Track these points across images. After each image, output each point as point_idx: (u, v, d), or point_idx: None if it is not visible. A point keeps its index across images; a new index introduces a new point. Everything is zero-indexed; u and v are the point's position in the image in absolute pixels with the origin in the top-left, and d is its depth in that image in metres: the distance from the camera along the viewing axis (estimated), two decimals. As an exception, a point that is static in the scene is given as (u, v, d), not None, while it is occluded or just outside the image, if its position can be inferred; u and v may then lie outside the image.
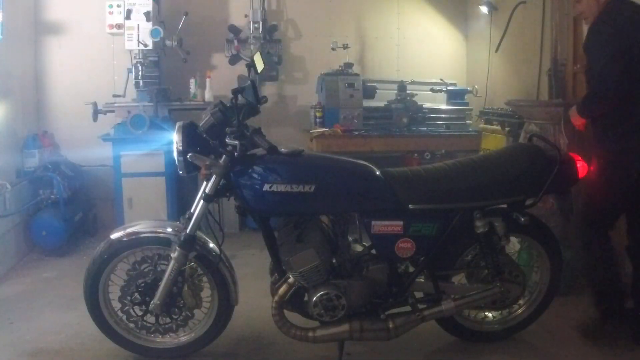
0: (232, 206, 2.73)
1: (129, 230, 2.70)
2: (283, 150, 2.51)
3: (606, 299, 2.97)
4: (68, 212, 4.47)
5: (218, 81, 4.98)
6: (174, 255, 2.60)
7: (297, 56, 5.43)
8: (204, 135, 2.52)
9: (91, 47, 5.01)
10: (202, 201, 2.58)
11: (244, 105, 2.54)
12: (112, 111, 4.58)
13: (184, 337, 2.80)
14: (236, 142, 2.44)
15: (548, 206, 3.19)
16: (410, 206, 2.57)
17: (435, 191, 2.60)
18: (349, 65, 5.04)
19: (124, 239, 2.67)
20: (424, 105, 5.05)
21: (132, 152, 4.42)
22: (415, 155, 4.83)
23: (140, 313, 2.73)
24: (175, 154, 2.57)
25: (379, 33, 5.55)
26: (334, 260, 2.61)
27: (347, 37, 5.31)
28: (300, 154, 2.55)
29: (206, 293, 2.76)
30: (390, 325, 2.62)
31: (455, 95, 5.23)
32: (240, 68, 5.03)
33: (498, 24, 4.82)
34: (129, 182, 4.44)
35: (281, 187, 2.46)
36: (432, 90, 5.25)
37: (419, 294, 2.76)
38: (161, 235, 2.68)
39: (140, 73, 4.61)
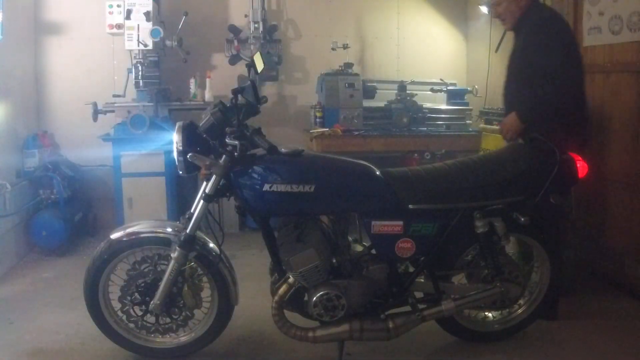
0: (232, 206, 2.73)
1: (129, 230, 2.69)
2: (283, 150, 2.51)
3: None
4: (68, 212, 4.47)
5: (218, 81, 4.97)
6: (174, 255, 2.60)
7: (297, 56, 5.43)
8: (204, 135, 2.52)
9: (91, 47, 5.01)
10: (202, 201, 2.58)
11: (244, 105, 2.54)
12: (112, 111, 4.58)
13: (184, 337, 2.80)
14: (236, 142, 2.43)
15: (548, 206, 3.19)
16: (410, 206, 2.57)
17: (435, 191, 2.60)
18: (349, 65, 5.04)
19: (124, 239, 2.67)
20: (424, 105, 5.05)
21: (132, 152, 4.42)
22: (415, 155, 4.82)
23: (140, 313, 2.73)
24: (175, 154, 2.56)
25: (379, 33, 5.55)
26: (334, 260, 2.60)
27: (347, 37, 5.31)
28: (300, 154, 2.55)
29: (206, 293, 2.76)
30: (390, 325, 2.62)
31: (455, 95, 5.23)
32: (240, 68, 5.03)
33: (498, 24, 4.81)
34: (129, 182, 4.44)
35: (281, 187, 2.46)
36: (432, 90, 5.24)
37: (419, 294, 2.76)
38: (161, 235, 2.68)
39: (140, 73, 4.61)
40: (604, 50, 3.66)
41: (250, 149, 2.49)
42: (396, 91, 5.09)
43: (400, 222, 2.58)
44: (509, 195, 2.65)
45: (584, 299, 3.42)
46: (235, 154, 2.46)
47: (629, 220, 3.49)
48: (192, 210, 2.64)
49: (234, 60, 5.12)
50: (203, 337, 2.78)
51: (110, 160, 4.52)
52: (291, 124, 5.40)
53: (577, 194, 3.32)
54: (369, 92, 5.06)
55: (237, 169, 2.51)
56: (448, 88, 5.27)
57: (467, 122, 5.06)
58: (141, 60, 4.61)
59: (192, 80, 4.93)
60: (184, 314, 2.74)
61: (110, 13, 4.54)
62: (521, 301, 2.94)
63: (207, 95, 4.87)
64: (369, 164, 2.66)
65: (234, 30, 5.10)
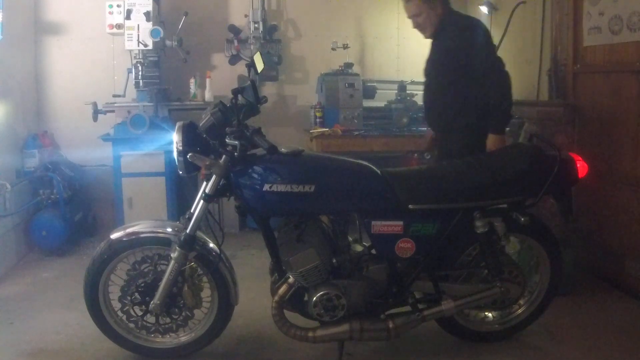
0: (232, 206, 2.73)
1: (129, 230, 2.70)
2: (283, 150, 2.51)
3: None
4: (68, 212, 4.46)
5: (218, 81, 4.97)
6: (174, 255, 2.60)
7: (297, 56, 5.43)
8: (204, 135, 2.53)
9: (91, 47, 5.01)
10: (202, 201, 2.58)
11: (244, 105, 2.54)
12: (112, 111, 4.59)
13: (184, 337, 2.80)
14: (236, 142, 2.44)
15: (548, 206, 3.19)
16: (410, 206, 2.57)
17: (435, 191, 2.60)
18: (349, 65, 5.04)
19: (124, 239, 2.67)
20: (424, 105, 5.05)
21: (132, 152, 4.42)
22: (415, 155, 4.82)
23: (140, 313, 2.73)
24: (175, 154, 2.56)
25: (379, 33, 5.54)
26: (334, 260, 2.60)
27: (347, 37, 5.31)
28: (300, 154, 2.55)
29: (206, 293, 2.76)
30: (390, 325, 2.62)
31: (455, 95, 5.22)
32: (240, 68, 5.03)
33: (498, 24, 4.82)
34: (129, 182, 4.44)
35: (281, 187, 2.46)
36: (432, 90, 5.24)
37: (419, 294, 2.76)
38: (161, 235, 2.68)
39: (140, 73, 4.61)
40: (604, 50, 3.66)
41: (250, 149, 2.49)
42: (396, 91, 5.10)
43: (400, 222, 2.58)
44: (509, 195, 2.64)
45: (584, 299, 3.42)
46: (235, 154, 2.46)
47: (628, 220, 3.49)
48: (192, 210, 2.64)
49: (234, 60, 5.12)
50: (203, 337, 2.78)
51: (110, 160, 4.52)
52: (291, 124, 5.39)
53: (577, 194, 3.32)
54: (369, 92, 5.06)
55: (237, 169, 2.51)
56: (448, 88, 5.26)
57: (467, 122, 5.05)
58: (141, 60, 4.61)
59: (192, 80, 4.93)
60: (184, 314, 2.74)
61: (110, 13, 4.54)
62: (521, 301, 2.94)
63: (207, 95, 4.87)
64: (369, 164, 2.65)
65: (234, 30, 5.10)
